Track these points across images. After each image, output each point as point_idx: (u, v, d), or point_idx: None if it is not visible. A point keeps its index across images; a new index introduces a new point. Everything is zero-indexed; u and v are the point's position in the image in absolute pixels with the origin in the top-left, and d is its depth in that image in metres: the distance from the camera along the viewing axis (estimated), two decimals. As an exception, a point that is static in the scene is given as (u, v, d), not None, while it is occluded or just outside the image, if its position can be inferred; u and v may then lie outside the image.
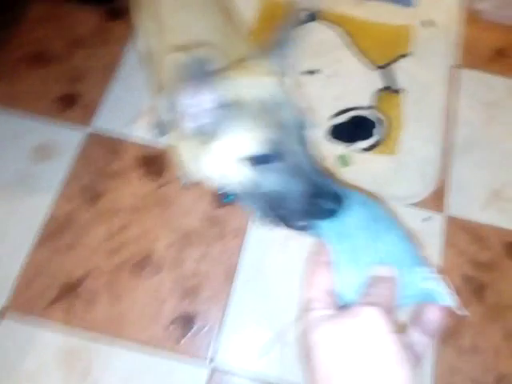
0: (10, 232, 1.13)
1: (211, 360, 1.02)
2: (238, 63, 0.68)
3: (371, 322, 0.36)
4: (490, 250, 1.12)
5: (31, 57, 1.33)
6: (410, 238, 0.46)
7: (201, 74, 0.53)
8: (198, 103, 0.57)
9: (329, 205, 0.48)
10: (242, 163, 0.57)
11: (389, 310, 0.38)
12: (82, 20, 1.39)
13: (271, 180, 0.56)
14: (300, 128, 0.58)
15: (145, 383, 1.01)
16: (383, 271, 0.41)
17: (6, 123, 1.24)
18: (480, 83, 1.33)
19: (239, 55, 0.73)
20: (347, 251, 0.43)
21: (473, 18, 1.43)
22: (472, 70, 1.36)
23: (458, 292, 1.06)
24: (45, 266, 1.11)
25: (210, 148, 0.60)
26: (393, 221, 0.46)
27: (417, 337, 0.42)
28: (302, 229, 0.54)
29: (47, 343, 1.04)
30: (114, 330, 1.05)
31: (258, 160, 0.56)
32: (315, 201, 0.51)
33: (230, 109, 0.57)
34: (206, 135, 0.60)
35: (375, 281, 0.41)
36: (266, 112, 0.57)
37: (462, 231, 1.14)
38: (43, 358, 1.02)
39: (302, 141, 0.57)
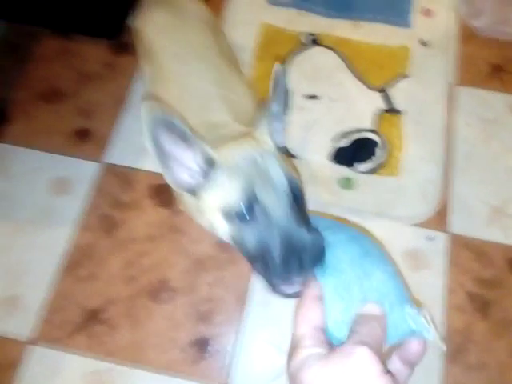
0: (33, 263, 1.18)
1: (226, 383, 1.06)
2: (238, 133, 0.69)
3: (363, 363, 0.35)
4: (493, 266, 1.14)
5: (43, 94, 1.38)
6: (398, 273, 0.46)
7: (178, 132, 0.55)
8: (181, 160, 0.59)
9: (305, 261, 0.47)
10: (225, 218, 0.58)
11: (378, 349, 0.38)
12: (90, 55, 1.43)
13: (251, 236, 0.56)
14: (287, 188, 0.56)
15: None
16: (372, 309, 0.41)
17: (24, 160, 1.29)
18: (479, 100, 1.35)
19: (241, 110, 0.76)
20: (337, 287, 0.43)
21: (469, 35, 1.45)
22: (470, 88, 1.37)
23: (463, 310, 1.10)
24: (68, 295, 1.15)
25: (198, 201, 0.61)
26: (383, 256, 0.47)
27: (398, 366, 0.42)
28: (285, 295, 0.53)
29: (73, 368, 1.08)
30: (135, 354, 1.10)
31: (238, 216, 0.56)
32: (292, 258, 0.50)
33: (215, 167, 0.59)
34: (192, 190, 0.61)
35: (364, 319, 0.41)
36: (251, 170, 0.57)
37: (465, 249, 1.16)
38: (70, 383, 1.07)
39: (289, 200, 0.56)
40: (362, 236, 0.48)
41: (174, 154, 0.58)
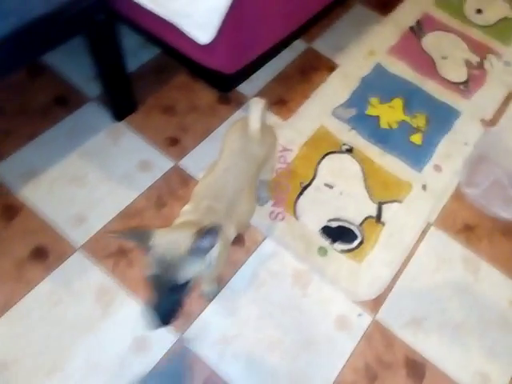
0: (105, 204, 1.64)
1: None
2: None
3: None
4: (393, 356, 1.42)
5: (162, 106, 1.91)
6: None
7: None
8: None
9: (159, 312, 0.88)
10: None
11: None
12: (203, 96, 1.95)
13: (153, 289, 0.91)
14: (172, 280, 0.88)
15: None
16: None
17: (131, 142, 1.80)
18: (443, 243, 1.67)
19: (234, 214, 1.15)
20: None
21: (459, 195, 1.78)
22: (441, 231, 1.70)
23: (357, 372, 1.40)
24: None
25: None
26: None
27: None
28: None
29: (90, 280, 1.49)
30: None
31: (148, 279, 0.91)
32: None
33: (151, 245, 0.91)
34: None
35: None
36: (160, 260, 0.89)
37: (380, 334, 1.45)
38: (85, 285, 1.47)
39: (167, 284, 0.88)
40: None
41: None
